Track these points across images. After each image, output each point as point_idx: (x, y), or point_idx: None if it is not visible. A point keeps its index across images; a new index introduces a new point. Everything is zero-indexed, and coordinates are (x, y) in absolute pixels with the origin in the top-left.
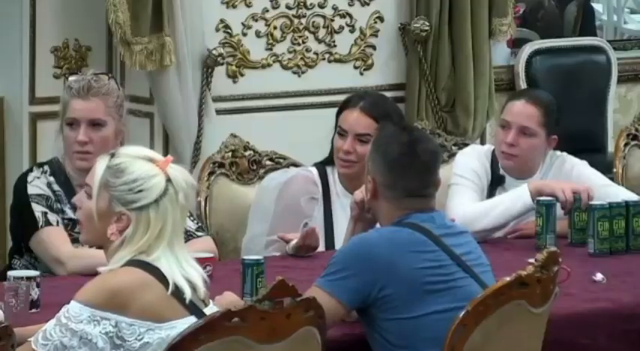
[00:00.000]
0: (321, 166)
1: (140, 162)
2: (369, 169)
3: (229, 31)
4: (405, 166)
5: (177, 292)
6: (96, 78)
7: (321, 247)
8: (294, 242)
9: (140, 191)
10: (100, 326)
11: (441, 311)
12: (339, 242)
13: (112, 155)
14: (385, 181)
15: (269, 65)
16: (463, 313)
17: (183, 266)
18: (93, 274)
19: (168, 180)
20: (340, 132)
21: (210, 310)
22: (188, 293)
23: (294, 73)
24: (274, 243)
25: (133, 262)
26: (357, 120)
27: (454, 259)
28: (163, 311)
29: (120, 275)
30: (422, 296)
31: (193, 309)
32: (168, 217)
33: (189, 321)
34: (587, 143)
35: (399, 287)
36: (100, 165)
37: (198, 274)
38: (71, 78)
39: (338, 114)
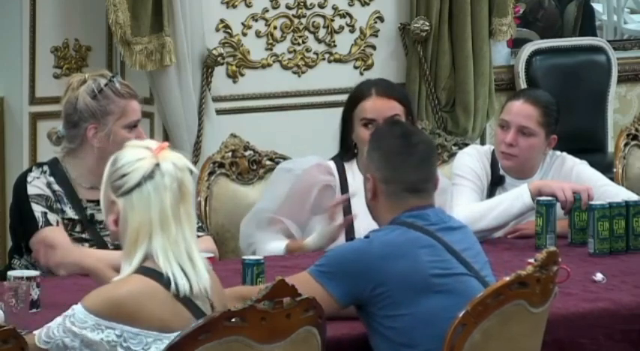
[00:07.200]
0: (338, 160)
1: (134, 149)
2: (367, 167)
3: (229, 31)
4: (402, 157)
5: (178, 293)
6: (120, 78)
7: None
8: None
9: (124, 175)
10: (103, 334)
11: (443, 307)
12: (358, 234)
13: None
14: (384, 176)
15: (269, 65)
16: (463, 312)
17: (184, 260)
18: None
19: (157, 164)
20: (366, 123)
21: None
22: (188, 290)
23: (294, 73)
24: (278, 223)
25: (141, 270)
26: (382, 105)
27: (453, 254)
28: (170, 319)
29: (126, 285)
30: (422, 290)
31: (199, 314)
32: (152, 201)
33: None
34: (587, 143)
35: (394, 285)
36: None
37: (203, 270)
38: (100, 80)
39: (352, 108)
